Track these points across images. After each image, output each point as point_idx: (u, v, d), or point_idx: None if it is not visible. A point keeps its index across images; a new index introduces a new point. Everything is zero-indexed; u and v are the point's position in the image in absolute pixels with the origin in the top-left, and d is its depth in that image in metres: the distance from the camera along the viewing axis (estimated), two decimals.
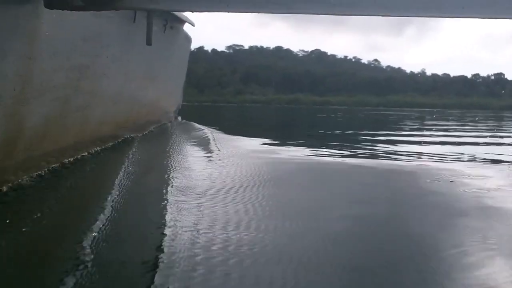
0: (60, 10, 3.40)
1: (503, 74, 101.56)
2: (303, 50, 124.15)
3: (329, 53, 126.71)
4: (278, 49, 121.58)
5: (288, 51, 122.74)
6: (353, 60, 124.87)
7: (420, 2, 3.49)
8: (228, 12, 3.79)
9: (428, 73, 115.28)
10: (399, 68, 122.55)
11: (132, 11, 5.61)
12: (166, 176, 4.40)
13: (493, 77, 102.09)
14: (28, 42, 3.56)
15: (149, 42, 5.96)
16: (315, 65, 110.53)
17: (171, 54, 9.50)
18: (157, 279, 2.05)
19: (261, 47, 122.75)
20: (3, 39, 3.23)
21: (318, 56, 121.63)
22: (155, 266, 2.17)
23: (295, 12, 3.82)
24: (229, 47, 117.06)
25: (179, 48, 10.32)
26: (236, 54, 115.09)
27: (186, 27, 10.23)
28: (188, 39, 11.47)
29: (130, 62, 6.26)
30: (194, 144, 7.32)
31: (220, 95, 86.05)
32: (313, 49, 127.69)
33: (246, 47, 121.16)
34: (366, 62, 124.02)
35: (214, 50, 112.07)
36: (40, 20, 3.60)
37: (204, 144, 7.17)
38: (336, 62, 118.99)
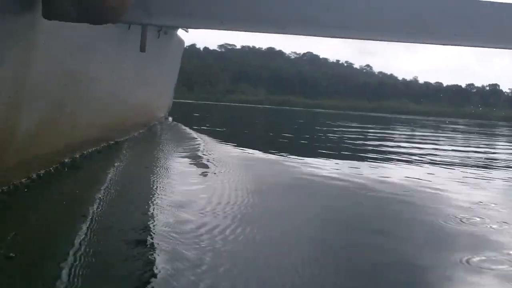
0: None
1: (498, 85, 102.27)
2: (295, 52, 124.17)
3: (321, 57, 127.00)
4: (270, 50, 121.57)
5: (280, 52, 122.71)
6: (345, 64, 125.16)
7: (412, 27, 3.56)
8: (221, 29, 3.85)
9: (421, 81, 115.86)
10: (391, 75, 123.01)
11: None
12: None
13: (488, 88, 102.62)
14: (25, 49, 3.59)
15: (143, 49, 5.98)
16: (307, 67, 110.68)
17: (163, 58, 9.55)
18: None
19: (253, 47, 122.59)
20: (1, 47, 3.26)
21: (310, 59, 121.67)
22: None
23: (288, 33, 3.87)
24: (221, 46, 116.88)
25: (171, 52, 10.38)
26: (228, 53, 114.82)
27: (180, 32, 10.30)
28: (181, 43, 11.54)
29: (122, 67, 6.29)
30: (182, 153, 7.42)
31: (210, 93, 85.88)
32: (305, 51, 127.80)
33: (238, 46, 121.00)
34: (358, 67, 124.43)
35: (206, 49, 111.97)
36: (37, 28, 3.63)
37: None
38: (328, 65, 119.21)
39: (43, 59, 3.86)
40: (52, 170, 4.61)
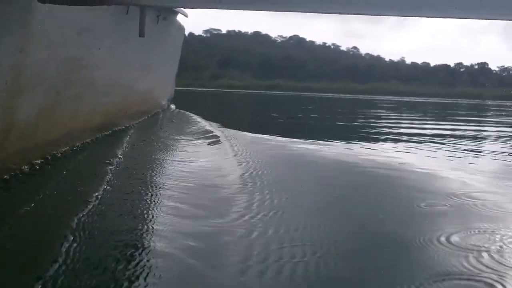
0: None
1: (487, 64, 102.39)
2: (281, 36, 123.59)
3: (307, 39, 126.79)
4: (256, 34, 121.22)
5: (267, 36, 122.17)
6: (332, 47, 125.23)
7: (414, 2, 3.57)
8: (221, 9, 3.84)
9: (408, 61, 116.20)
10: (378, 56, 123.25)
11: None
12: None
13: (476, 66, 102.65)
14: (21, 35, 3.56)
15: (141, 34, 5.95)
16: (294, 51, 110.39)
17: (164, 45, 9.53)
18: None
19: (239, 31, 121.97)
20: None
21: (297, 42, 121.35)
22: None
23: (287, 10, 3.86)
24: (206, 31, 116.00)
25: (172, 39, 10.34)
26: (213, 38, 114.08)
27: (179, 17, 10.24)
28: (181, 29, 11.48)
29: (123, 54, 6.25)
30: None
31: (197, 79, 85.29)
32: (292, 34, 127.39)
33: (224, 31, 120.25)
34: (345, 49, 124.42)
35: (191, 34, 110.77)
36: (33, 13, 3.61)
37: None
38: (315, 48, 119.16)
39: (40, 44, 3.83)
40: (54, 156, 4.58)
